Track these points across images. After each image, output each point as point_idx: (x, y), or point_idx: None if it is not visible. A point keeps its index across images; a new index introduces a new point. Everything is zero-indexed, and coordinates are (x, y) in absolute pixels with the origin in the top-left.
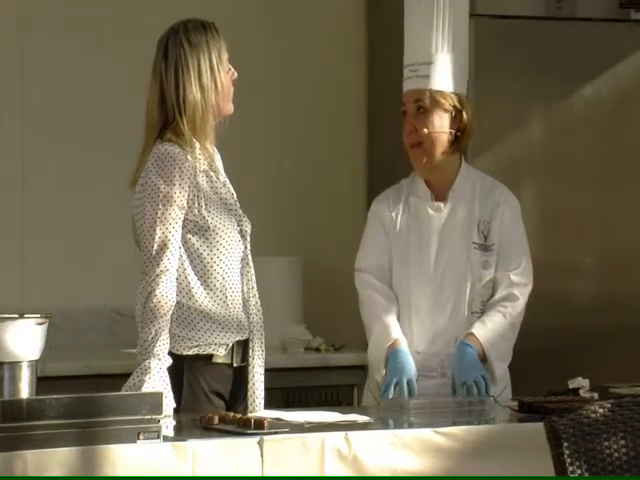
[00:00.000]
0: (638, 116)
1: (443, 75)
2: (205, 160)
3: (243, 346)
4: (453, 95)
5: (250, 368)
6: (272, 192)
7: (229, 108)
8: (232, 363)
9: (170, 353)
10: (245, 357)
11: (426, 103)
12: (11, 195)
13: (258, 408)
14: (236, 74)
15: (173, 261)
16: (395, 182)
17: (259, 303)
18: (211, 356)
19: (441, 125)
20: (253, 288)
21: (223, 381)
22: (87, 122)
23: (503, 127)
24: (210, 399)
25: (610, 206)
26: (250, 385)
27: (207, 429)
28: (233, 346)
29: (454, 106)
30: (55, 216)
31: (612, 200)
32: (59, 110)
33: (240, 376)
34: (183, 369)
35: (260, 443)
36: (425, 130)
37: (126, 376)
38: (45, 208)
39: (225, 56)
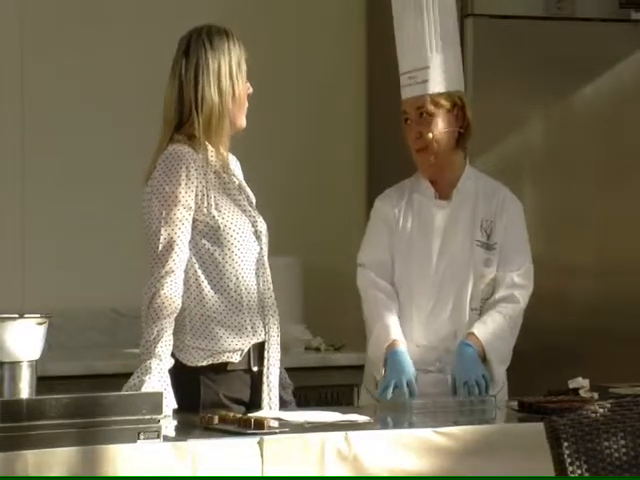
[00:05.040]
0: (638, 116)
1: (441, 76)
2: (217, 162)
3: (260, 349)
4: (453, 93)
5: (265, 370)
6: (272, 192)
7: (242, 121)
8: (250, 368)
9: (184, 366)
10: (263, 360)
11: (428, 108)
12: (11, 195)
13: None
14: (251, 89)
15: (179, 262)
16: (395, 182)
17: (275, 304)
18: (226, 364)
19: (445, 126)
20: (269, 289)
21: (241, 387)
22: (87, 122)
23: (503, 127)
24: (229, 407)
25: (610, 206)
26: (265, 386)
27: (207, 429)
28: (249, 351)
29: (455, 104)
30: (55, 216)
31: (612, 200)
32: (60, 106)
33: (261, 379)
34: (199, 381)
35: (260, 443)
36: (430, 135)
37: (126, 376)
38: (45, 208)
39: (244, 67)
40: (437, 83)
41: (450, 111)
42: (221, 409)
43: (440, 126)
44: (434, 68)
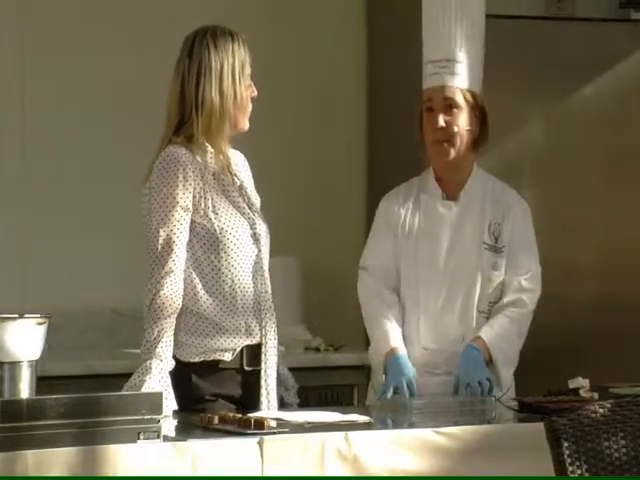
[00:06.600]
0: (638, 116)
1: (469, 73)
2: (217, 164)
3: (256, 350)
4: (477, 94)
5: (262, 372)
6: (272, 192)
7: (244, 124)
8: (242, 367)
9: (178, 360)
10: (258, 361)
11: (458, 101)
12: (11, 195)
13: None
14: (256, 92)
15: (179, 262)
16: (395, 181)
17: (273, 307)
18: (218, 362)
19: (470, 123)
20: (267, 292)
21: (232, 385)
22: (87, 122)
23: (503, 127)
24: (219, 404)
25: (610, 206)
26: (263, 389)
27: (207, 429)
28: (242, 350)
29: (477, 105)
30: (55, 216)
31: (612, 200)
32: (60, 106)
33: (255, 380)
34: (191, 375)
35: (260, 443)
36: (455, 128)
37: (126, 376)
38: (45, 208)
39: (248, 70)
40: (465, 79)
41: (474, 110)
42: (210, 404)
43: (467, 122)
44: (467, 63)
